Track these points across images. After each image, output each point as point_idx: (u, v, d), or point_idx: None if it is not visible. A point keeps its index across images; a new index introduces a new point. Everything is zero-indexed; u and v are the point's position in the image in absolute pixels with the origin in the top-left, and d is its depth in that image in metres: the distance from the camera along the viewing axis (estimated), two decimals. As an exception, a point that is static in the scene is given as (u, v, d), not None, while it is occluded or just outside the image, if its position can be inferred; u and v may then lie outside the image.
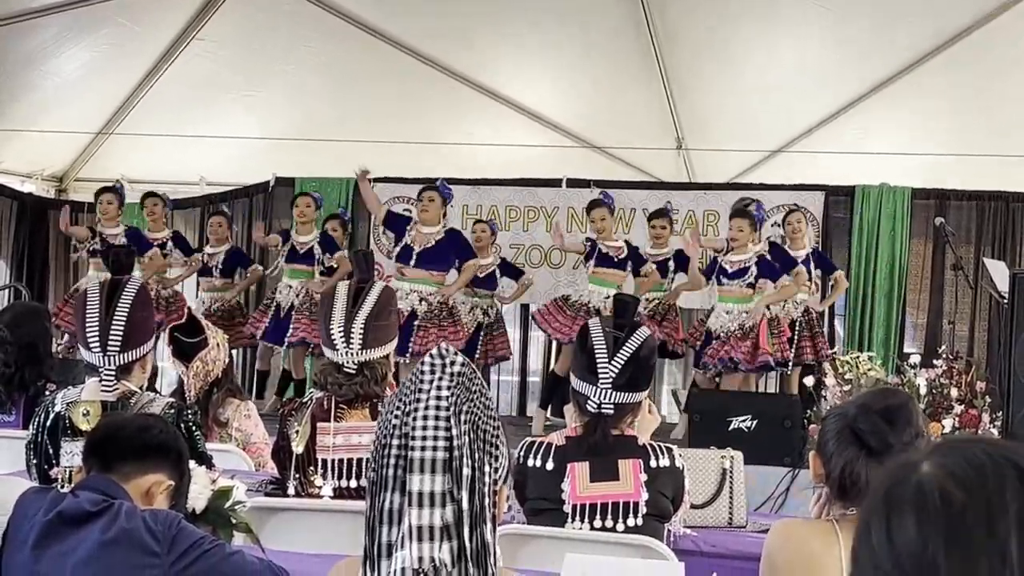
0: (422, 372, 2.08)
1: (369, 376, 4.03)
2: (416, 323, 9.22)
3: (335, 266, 10.15)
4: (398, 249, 9.47)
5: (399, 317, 9.11)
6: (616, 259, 9.69)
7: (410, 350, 9.03)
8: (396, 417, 2.05)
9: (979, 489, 1.31)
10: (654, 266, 9.81)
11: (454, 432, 2.01)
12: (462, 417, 2.03)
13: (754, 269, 9.12)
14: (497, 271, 10.41)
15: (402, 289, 9.23)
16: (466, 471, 2.00)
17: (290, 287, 10.17)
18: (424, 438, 2.00)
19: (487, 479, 2.05)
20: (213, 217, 11.04)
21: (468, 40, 11.36)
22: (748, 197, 10.28)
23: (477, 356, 10.10)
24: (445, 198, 9.62)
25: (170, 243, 10.69)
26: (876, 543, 1.35)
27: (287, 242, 10.35)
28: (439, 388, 2.05)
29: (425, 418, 2.01)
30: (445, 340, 9.18)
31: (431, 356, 2.10)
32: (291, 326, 9.99)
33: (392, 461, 2.02)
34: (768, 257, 9.25)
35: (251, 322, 10.39)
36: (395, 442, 2.02)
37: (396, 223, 9.66)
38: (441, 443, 2.00)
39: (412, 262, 9.32)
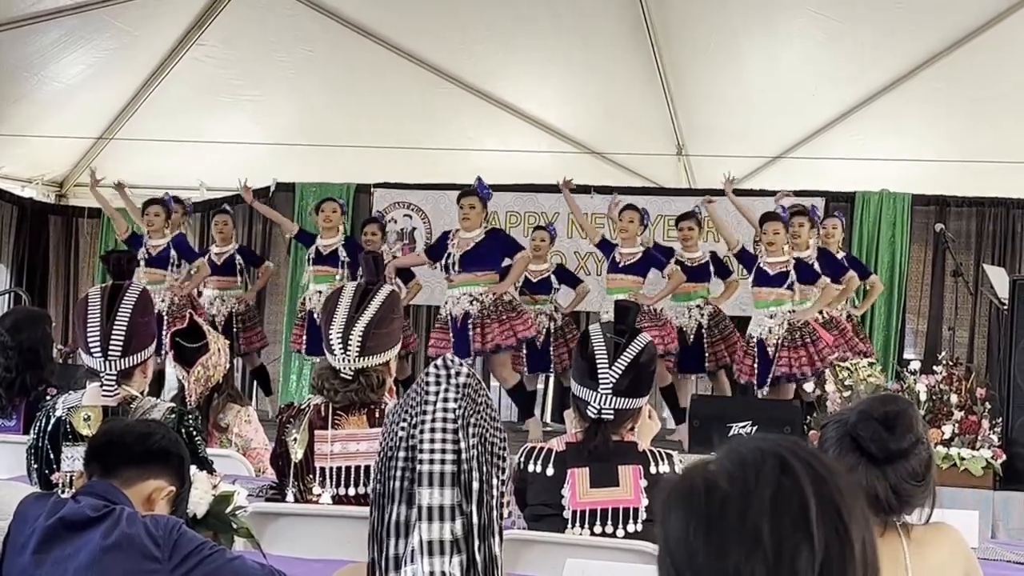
0: (427, 383, 2.07)
1: (365, 383, 4.00)
2: (471, 322, 9.22)
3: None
4: (444, 262, 9.44)
5: (449, 325, 9.22)
6: (621, 264, 9.67)
7: (472, 350, 9.11)
8: (402, 429, 2.04)
9: (740, 481, 1.41)
10: (677, 267, 9.78)
11: (462, 445, 2.00)
12: (470, 430, 2.02)
13: (793, 273, 9.11)
14: (553, 277, 10.39)
15: (452, 296, 9.28)
16: (475, 484, 2.00)
17: (319, 292, 10.15)
18: (432, 451, 1.99)
19: (495, 491, 2.05)
20: (217, 216, 11.01)
21: (470, 47, 11.37)
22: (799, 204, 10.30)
23: (554, 364, 10.19)
24: (485, 200, 9.52)
25: (174, 252, 10.58)
26: (659, 536, 1.46)
27: (311, 245, 10.39)
28: (445, 400, 2.04)
29: (432, 431, 2.01)
30: (512, 333, 9.28)
31: (435, 367, 2.09)
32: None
33: (399, 473, 2.01)
34: (811, 262, 9.26)
35: (293, 339, 10.56)
36: (401, 454, 2.02)
37: (436, 249, 9.64)
38: (449, 456, 2.00)
39: (456, 268, 9.32)
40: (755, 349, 9.12)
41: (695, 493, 1.43)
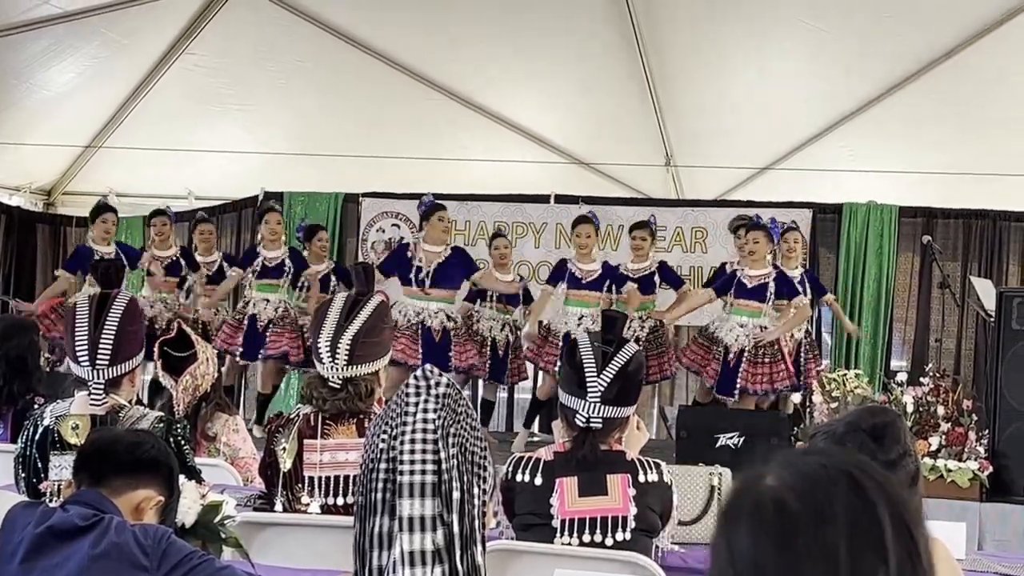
0: (407, 395, 2.08)
1: (353, 392, 4.00)
2: (450, 340, 9.33)
3: (307, 283, 10.10)
4: (416, 276, 9.40)
5: (419, 336, 9.21)
6: (584, 281, 9.62)
7: (452, 366, 9.20)
8: (383, 441, 2.04)
9: (811, 498, 1.42)
10: (634, 285, 9.70)
11: (442, 455, 2.01)
12: (450, 440, 2.03)
13: (772, 286, 9.02)
14: (520, 293, 10.34)
15: (428, 309, 9.29)
16: (456, 494, 2.01)
17: (267, 301, 10.08)
18: (412, 462, 2.00)
19: (476, 501, 2.06)
20: (201, 225, 10.97)
21: (459, 57, 11.38)
22: (745, 215, 10.22)
23: (507, 375, 10.18)
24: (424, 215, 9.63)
25: (181, 260, 10.57)
26: (719, 549, 1.46)
27: (254, 260, 10.23)
28: (425, 411, 2.04)
29: (412, 441, 2.01)
30: (479, 356, 9.58)
31: (415, 378, 2.10)
32: (268, 339, 9.93)
33: (380, 485, 2.02)
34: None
35: (222, 339, 10.04)
36: (383, 466, 2.02)
37: (396, 262, 9.63)
38: (429, 467, 2.00)
39: (429, 283, 9.31)
40: (720, 354, 9.09)
41: (762, 509, 1.43)
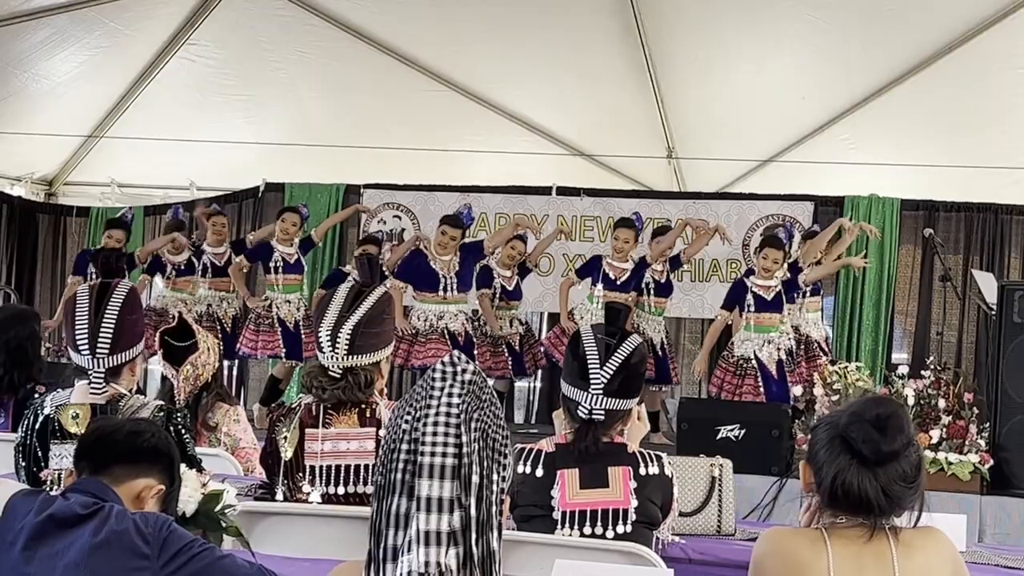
0: (433, 379, 2.11)
1: (352, 382, 4.00)
2: (473, 342, 9.60)
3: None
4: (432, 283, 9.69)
5: (459, 338, 9.37)
6: (617, 281, 9.65)
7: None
8: (406, 423, 2.07)
9: None
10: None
11: (464, 440, 2.04)
12: (472, 425, 2.06)
13: (783, 295, 9.07)
14: (517, 278, 10.38)
15: (448, 312, 9.44)
16: (475, 478, 2.04)
17: (289, 302, 10.14)
18: (434, 444, 2.03)
19: (495, 487, 2.09)
20: (215, 217, 10.94)
21: (461, 48, 11.38)
22: (779, 223, 10.31)
23: (527, 367, 10.33)
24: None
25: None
26: None
27: (269, 255, 10.28)
28: (450, 395, 2.08)
29: (436, 424, 2.05)
30: (494, 358, 9.82)
31: (442, 363, 2.13)
32: (305, 341, 9.97)
33: (400, 466, 2.05)
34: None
35: (245, 342, 10.17)
36: (404, 447, 2.05)
37: (413, 270, 9.80)
38: (451, 450, 2.03)
39: (455, 289, 9.65)
40: (754, 369, 9.00)
41: None
